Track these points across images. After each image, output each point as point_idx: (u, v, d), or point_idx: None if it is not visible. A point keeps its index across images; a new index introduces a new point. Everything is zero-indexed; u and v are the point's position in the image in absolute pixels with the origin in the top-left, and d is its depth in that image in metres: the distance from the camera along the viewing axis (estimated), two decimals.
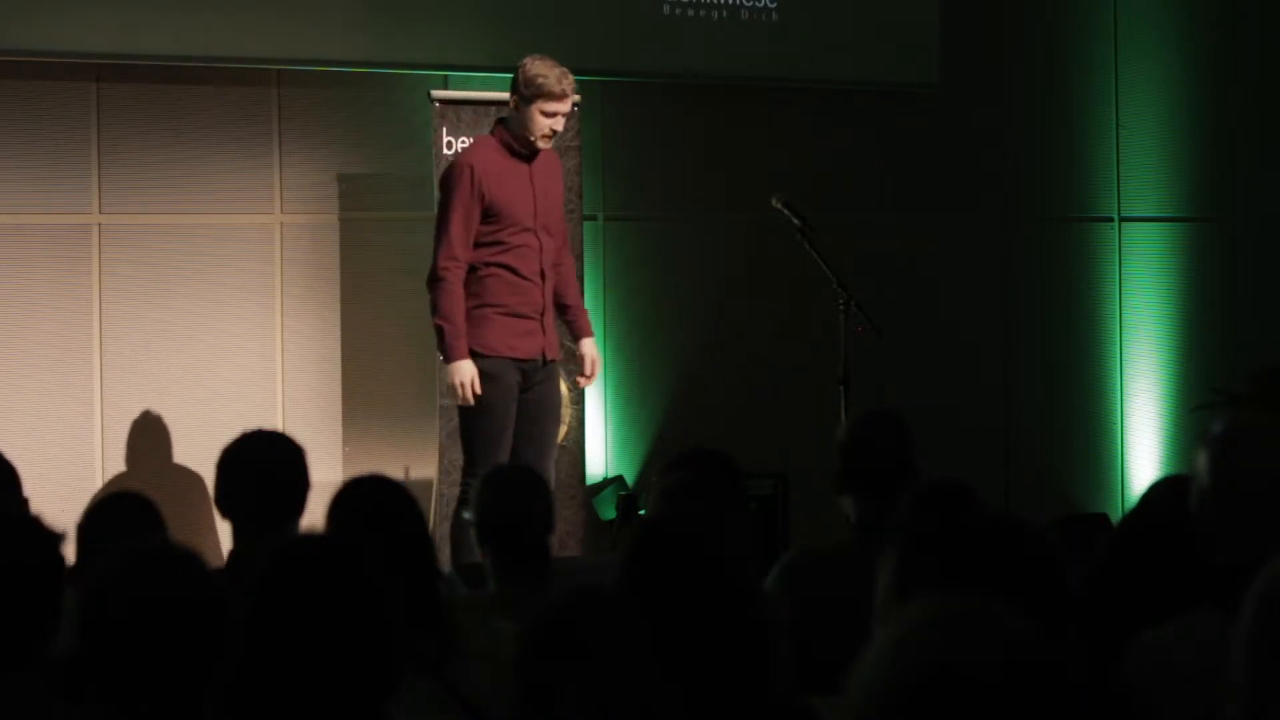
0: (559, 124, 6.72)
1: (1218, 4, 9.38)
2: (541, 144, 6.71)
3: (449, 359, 6.63)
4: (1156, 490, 3.81)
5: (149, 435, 7.59)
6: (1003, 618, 1.93)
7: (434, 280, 6.67)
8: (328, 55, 7.74)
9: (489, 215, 6.66)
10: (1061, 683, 1.81)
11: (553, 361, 6.83)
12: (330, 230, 7.93)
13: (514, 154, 6.72)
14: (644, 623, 2.66)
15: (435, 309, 6.68)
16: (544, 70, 6.65)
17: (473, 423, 6.72)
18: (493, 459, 6.59)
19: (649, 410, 8.44)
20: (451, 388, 6.65)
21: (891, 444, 4.38)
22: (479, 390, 6.62)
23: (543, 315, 6.74)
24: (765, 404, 8.51)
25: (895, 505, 3.75)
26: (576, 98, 6.85)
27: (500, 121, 6.81)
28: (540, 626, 2.64)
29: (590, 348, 6.96)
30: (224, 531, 4.34)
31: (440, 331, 6.66)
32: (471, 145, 7.03)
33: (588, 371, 6.93)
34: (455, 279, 6.64)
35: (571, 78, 6.70)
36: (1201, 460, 3.20)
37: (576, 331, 6.97)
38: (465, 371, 6.62)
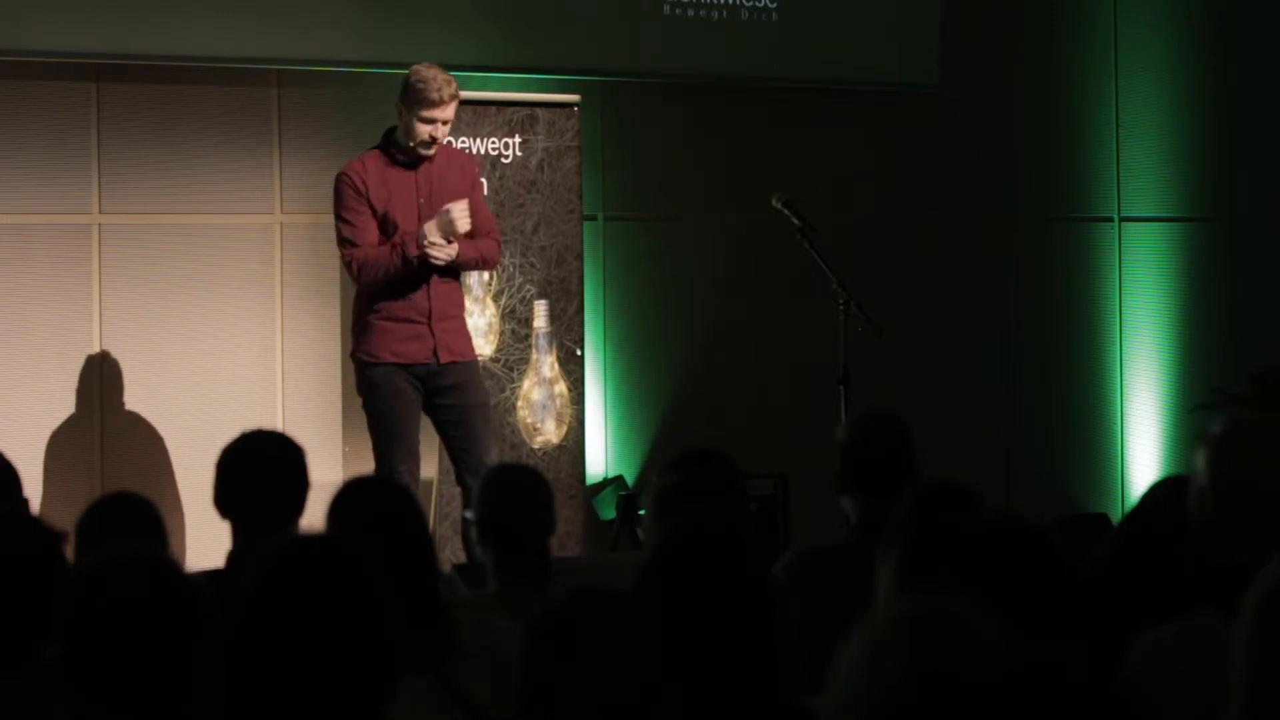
0: (439, 131, 6.71)
1: (1218, 4, 9.38)
2: (422, 150, 6.72)
3: (411, 252, 6.61)
4: (1157, 490, 3.81)
5: (149, 435, 7.59)
6: (977, 619, 1.94)
7: (349, 267, 6.74)
8: (328, 55, 7.74)
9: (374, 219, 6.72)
10: (1038, 683, 1.81)
11: (454, 363, 6.78)
12: (330, 230, 7.90)
13: (396, 162, 6.77)
14: (649, 621, 2.66)
15: (374, 271, 6.67)
16: (425, 77, 6.68)
17: (371, 430, 6.81)
18: (390, 463, 6.66)
19: (649, 410, 8.44)
20: (440, 242, 6.62)
21: (892, 444, 4.38)
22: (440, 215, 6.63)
23: (431, 319, 6.73)
24: (765, 404, 8.50)
25: (895, 505, 3.75)
26: (453, 106, 6.74)
27: (389, 131, 6.84)
28: (544, 625, 2.64)
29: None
30: (223, 531, 4.33)
31: (398, 259, 6.63)
32: (353, 160, 6.99)
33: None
34: (359, 251, 6.68)
35: (455, 86, 6.70)
36: (1201, 460, 3.20)
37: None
38: (422, 232, 6.62)
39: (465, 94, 7.63)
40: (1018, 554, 2.98)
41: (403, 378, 6.72)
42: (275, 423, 7.64)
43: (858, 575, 3.58)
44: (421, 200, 6.75)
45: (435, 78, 6.66)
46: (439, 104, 6.65)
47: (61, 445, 7.44)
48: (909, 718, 1.83)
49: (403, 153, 6.75)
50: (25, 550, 3.20)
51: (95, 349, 7.53)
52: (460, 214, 6.65)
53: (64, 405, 7.48)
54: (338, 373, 7.86)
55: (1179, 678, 3.00)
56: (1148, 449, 9.15)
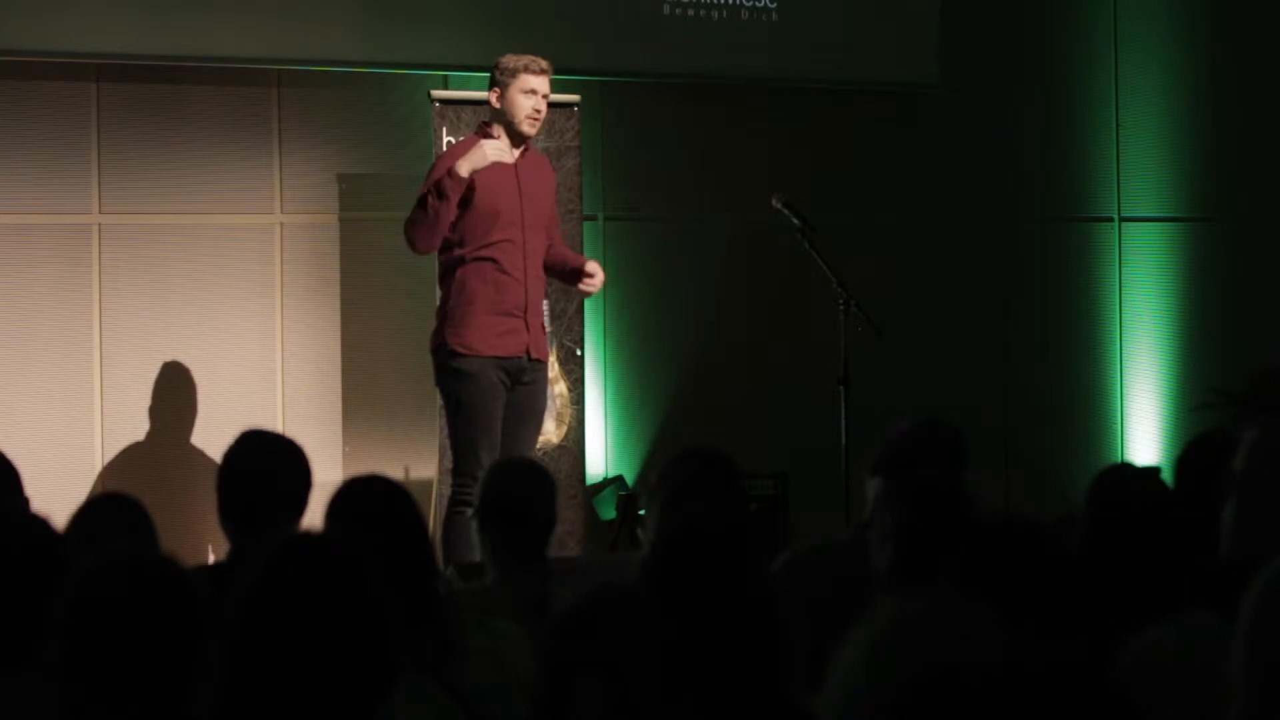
0: (541, 105, 6.73)
1: (1218, 5, 9.38)
2: (527, 128, 6.72)
3: (464, 169, 6.57)
4: (1113, 480, 3.76)
5: (149, 435, 7.59)
6: (977, 619, 1.94)
7: (406, 227, 6.66)
8: (328, 55, 7.74)
9: (471, 208, 6.65)
10: (1038, 682, 1.81)
11: (538, 361, 6.81)
12: (330, 230, 7.93)
13: None
14: (666, 620, 2.66)
15: (418, 221, 6.61)
16: (518, 54, 6.75)
17: (457, 423, 6.72)
18: (480, 458, 6.58)
19: (649, 410, 8.44)
20: (490, 154, 6.62)
21: (942, 459, 4.32)
22: (498, 141, 6.66)
23: (526, 313, 6.72)
24: (765, 404, 8.50)
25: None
26: (549, 80, 6.79)
27: (483, 125, 6.84)
28: (564, 621, 2.65)
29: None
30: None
31: (438, 193, 6.57)
32: (457, 143, 7.05)
33: (591, 270, 6.81)
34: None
35: (545, 63, 6.76)
36: (1237, 459, 3.23)
37: (580, 263, 6.89)
38: (481, 149, 6.60)
39: (465, 94, 7.65)
40: (1016, 553, 2.98)
41: (495, 371, 6.69)
42: (275, 422, 7.64)
43: (857, 575, 3.58)
44: (523, 195, 6.74)
45: (526, 55, 6.74)
46: (539, 73, 6.70)
47: (61, 445, 7.44)
48: (909, 718, 1.83)
49: (505, 139, 6.73)
50: (25, 550, 3.20)
51: (95, 349, 7.53)
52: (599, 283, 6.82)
53: (64, 405, 7.48)
54: (338, 373, 7.86)
55: (1178, 678, 3.01)
56: (1148, 449, 9.15)
